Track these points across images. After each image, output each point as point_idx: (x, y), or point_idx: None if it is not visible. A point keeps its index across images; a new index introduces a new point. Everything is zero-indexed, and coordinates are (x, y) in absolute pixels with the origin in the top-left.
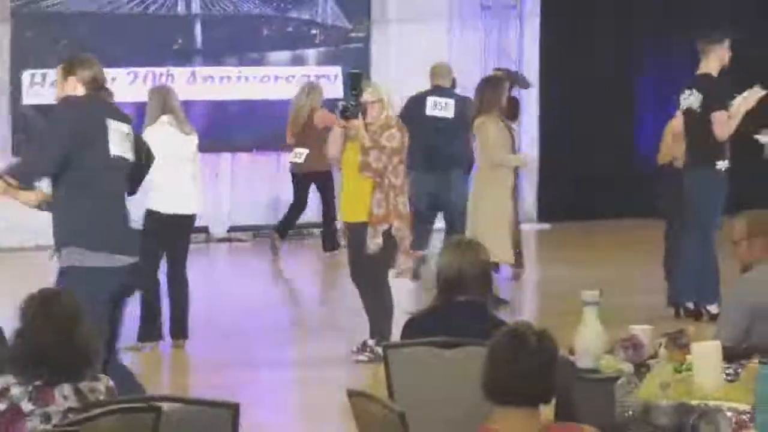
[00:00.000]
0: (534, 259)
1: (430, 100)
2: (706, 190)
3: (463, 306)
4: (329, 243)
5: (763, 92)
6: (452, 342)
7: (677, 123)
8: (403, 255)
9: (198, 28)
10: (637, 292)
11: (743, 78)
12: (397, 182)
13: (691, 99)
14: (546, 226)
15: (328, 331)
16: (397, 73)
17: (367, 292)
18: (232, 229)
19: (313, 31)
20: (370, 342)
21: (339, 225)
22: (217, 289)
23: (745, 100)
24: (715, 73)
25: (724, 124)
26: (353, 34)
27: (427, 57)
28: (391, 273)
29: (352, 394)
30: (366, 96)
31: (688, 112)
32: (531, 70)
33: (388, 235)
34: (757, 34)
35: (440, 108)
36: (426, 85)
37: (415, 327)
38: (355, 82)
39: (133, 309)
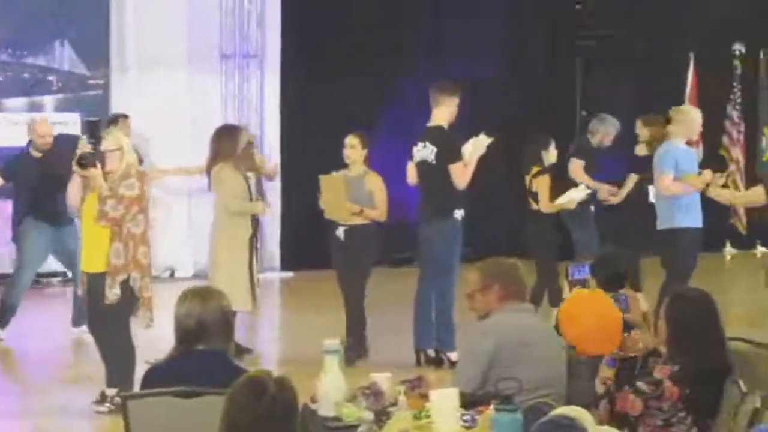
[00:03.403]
0: (276, 307)
1: None
2: (444, 239)
3: (204, 355)
4: None
5: (489, 140)
6: (191, 392)
7: (411, 174)
8: (143, 306)
9: None
10: (379, 340)
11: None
12: (137, 231)
13: (424, 152)
14: (289, 274)
15: (72, 380)
16: (137, 120)
17: (106, 343)
18: None
19: (50, 78)
20: (110, 392)
21: None
22: None
23: (475, 148)
24: (446, 124)
25: (462, 173)
26: (92, 81)
27: (166, 104)
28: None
29: None
30: (106, 144)
31: (423, 164)
32: (272, 117)
33: (126, 286)
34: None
35: None
36: (165, 132)
37: (154, 377)
38: (92, 130)
39: None
